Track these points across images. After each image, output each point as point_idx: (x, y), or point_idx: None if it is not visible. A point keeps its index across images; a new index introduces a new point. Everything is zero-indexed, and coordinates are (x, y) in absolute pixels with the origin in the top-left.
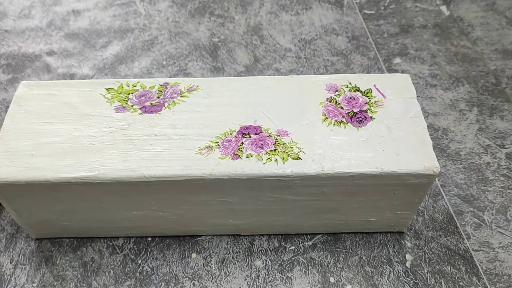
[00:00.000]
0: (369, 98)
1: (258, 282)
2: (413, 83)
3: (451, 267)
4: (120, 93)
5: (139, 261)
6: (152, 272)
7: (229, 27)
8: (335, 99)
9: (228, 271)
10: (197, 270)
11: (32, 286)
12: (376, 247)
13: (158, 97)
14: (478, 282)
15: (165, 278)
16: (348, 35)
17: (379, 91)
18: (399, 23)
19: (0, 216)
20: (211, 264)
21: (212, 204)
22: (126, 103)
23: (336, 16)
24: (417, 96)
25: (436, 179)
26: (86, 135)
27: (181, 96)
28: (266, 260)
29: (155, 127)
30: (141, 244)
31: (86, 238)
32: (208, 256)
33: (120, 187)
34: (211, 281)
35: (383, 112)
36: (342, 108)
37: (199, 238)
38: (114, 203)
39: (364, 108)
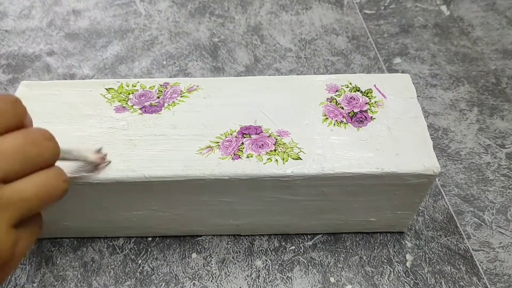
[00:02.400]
0: (369, 98)
1: (258, 282)
2: (413, 83)
3: (451, 267)
4: (120, 93)
5: (139, 261)
6: (153, 272)
7: (229, 27)
8: (335, 99)
9: (228, 271)
10: (197, 270)
11: (32, 286)
12: (376, 247)
13: (158, 97)
14: (478, 282)
15: (165, 278)
16: (348, 35)
17: (379, 91)
18: (399, 23)
19: None
20: (211, 264)
21: (212, 204)
22: (126, 103)
23: (336, 16)
24: (418, 96)
25: (436, 179)
26: (86, 135)
27: (181, 96)
28: (266, 260)
29: (155, 127)
30: (141, 244)
31: (87, 238)
32: (208, 256)
33: (120, 187)
34: (211, 281)
35: (383, 112)
36: (342, 108)
37: (199, 238)
38: (114, 203)
39: (365, 108)
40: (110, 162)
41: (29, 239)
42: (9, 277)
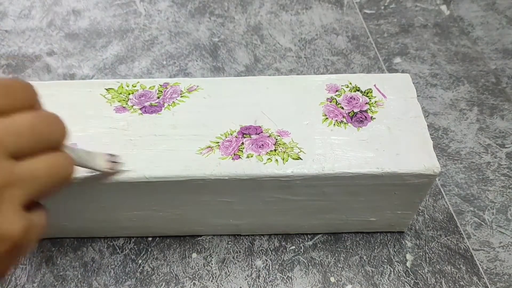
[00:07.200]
0: (369, 98)
1: (259, 282)
2: (413, 83)
3: (452, 266)
4: (120, 93)
5: (140, 261)
6: (153, 272)
7: (229, 27)
8: (335, 99)
9: (228, 271)
10: (197, 270)
11: (33, 286)
12: (376, 247)
13: (158, 97)
14: (478, 282)
15: (166, 278)
16: (348, 35)
17: (379, 91)
18: (399, 23)
19: None
20: (212, 264)
21: (212, 204)
22: (126, 103)
23: (336, 16)
24: (418, 96)
25: (437, 179)
26: (86, 135)
27: (181, 96)
28: (266, 260)
29: (155, 127)
30: (142, 244)
31: (87, 238)
32: (208, 256)
33: (120, 187)
34: (211, 281)
35: (383, 112)
36: (342, 108)
37: (199, 238)
38: (114, 203)
39: (365, 108)
40: (121, 168)
41: (38, 227)
42: (9, 277)
